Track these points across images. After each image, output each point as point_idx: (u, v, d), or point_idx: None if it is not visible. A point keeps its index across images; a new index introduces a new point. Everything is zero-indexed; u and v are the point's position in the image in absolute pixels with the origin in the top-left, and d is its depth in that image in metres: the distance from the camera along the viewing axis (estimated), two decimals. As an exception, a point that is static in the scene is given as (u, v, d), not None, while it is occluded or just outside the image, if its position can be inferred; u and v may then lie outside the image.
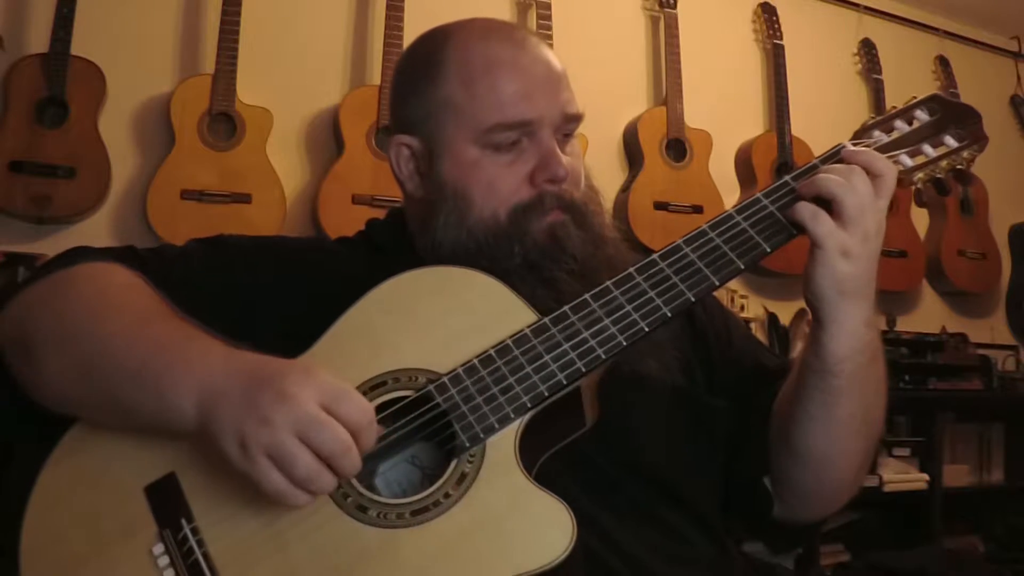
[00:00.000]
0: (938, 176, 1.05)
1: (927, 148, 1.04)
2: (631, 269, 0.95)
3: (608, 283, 0.94)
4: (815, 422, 1.01)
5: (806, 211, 0.93)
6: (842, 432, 1.01)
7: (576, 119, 1.08)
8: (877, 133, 1.05)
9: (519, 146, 1.04)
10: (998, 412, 3.65)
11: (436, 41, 1.10)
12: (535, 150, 1.04)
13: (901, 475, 3.20)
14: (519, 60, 1.05)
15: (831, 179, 0.93)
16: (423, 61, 1.09)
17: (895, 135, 1.05)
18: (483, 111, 1.03)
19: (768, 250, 0.96)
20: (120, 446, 0.91)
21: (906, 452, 3.27)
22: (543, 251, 1.03)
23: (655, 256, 0.96)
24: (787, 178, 0.99)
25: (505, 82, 1.04)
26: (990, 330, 3.84)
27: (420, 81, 1.09)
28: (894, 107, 1.08)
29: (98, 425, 0.92)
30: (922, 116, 1.06)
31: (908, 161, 1.04)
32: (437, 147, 1.07)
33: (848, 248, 0.92)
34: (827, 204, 0.94)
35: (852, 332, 0.96)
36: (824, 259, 0.93)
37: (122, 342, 0.89)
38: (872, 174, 0.95)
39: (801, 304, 3.36)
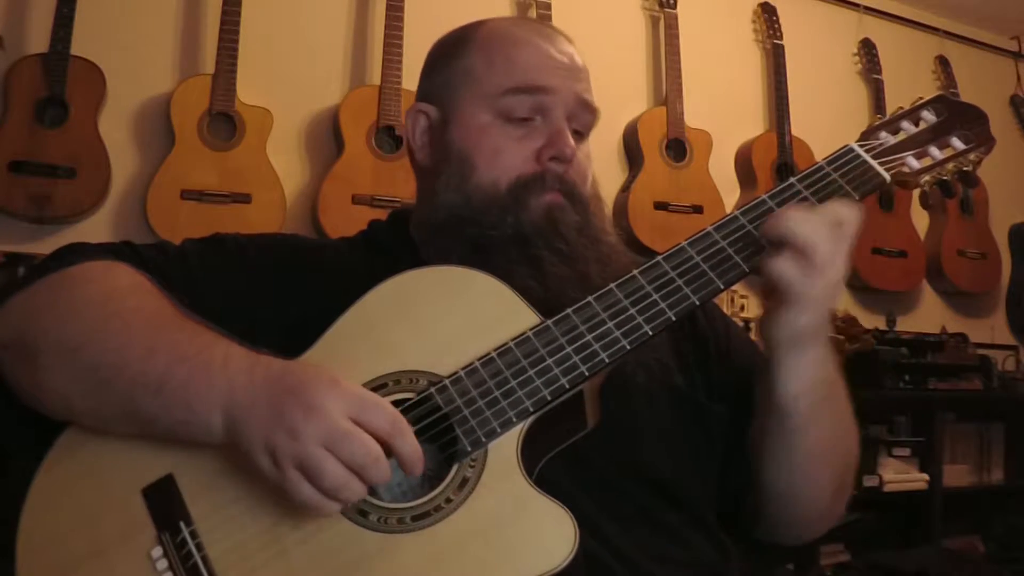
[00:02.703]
0: (944, 178, 1.04)
1: (933, 150, 1.04)
2: (635, 271, 0.94)
3: (612, 286, 0.94)
4: (775, 460, 1.01)
5: (783, 262, 0.90)
6: (803, 469, 1.01)
7: (590, 110, 1.09)
8: (883, 134, 1.04)
9: (531, 123, 1.05)
10: (998, 412, 3.64)
11: (468, 27, 1.13)
12: (546, 129, 1.05)
13: (901, 475, 3.20)
14: (542, 42, 1.08)
15: (799, 226, 0.90)
16: (451, 42, 1.13)
17: (901, 136, 1.04)
18: (498, 76, 1.06)
19: None
20: (117, 447, 0.90)
21: (906, 452, 3.27)
22: (536, 228, 1.02)
23: (659, 259, 0.95)
24: (793, 179, 0.99)
25: (524, 53, 1.07)
26: (990, 330, 3.84)
27: (445, 56, 1.12)
28: (900, 108, 1.08)
29: (100, 430, 0.91)
30: (928, 117, 1.06)
31: (914, 163, 1.03)
32: (451, 113, 1.09)
33: (810, 298, 0.91)
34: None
35: (803, 372, 0.95)
36: (787, 307, 0.92)
37: (138, 352, 0.88)
38: (837, 221, 0.92)
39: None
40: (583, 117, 1.09)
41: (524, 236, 1.02)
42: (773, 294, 0.93)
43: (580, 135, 1.09)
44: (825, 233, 0.90)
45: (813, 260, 0.89)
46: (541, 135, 1.05)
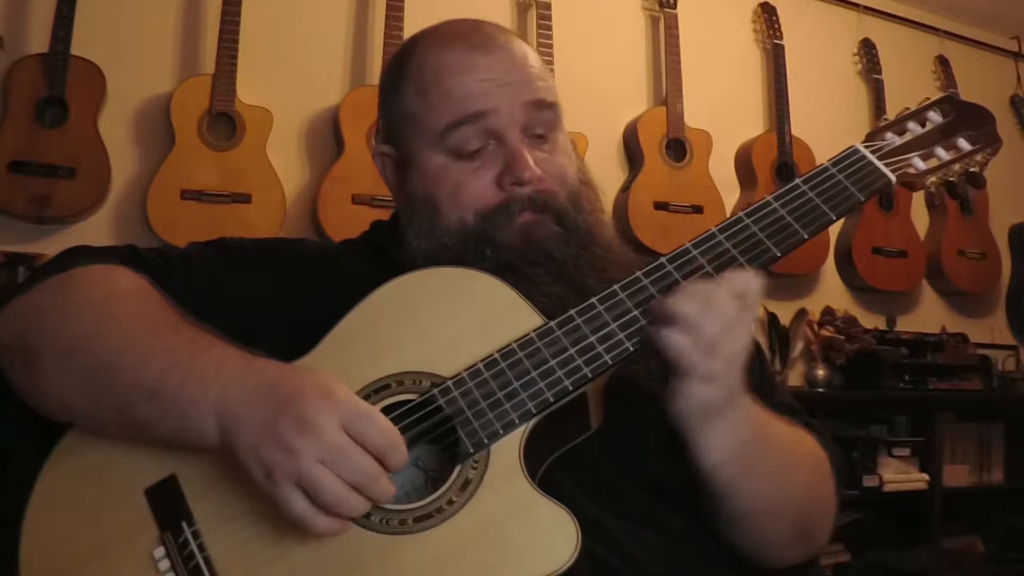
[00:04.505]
0: (950, 179, 1.03)
1: (940, 151, 1.03)
2: (638, 272, 0.94)
3: (615, 287, 0.93)
4: (712, 513, 0.98)
5: (672, 341, 0.87)
6: (740, 526, 0.98)
7: (546, 106, 1.05)
8: (889, 135, 1.04)
9: (485, 151, 1.03)
10: (998, 412, 3.65)
11: (404, 52, 1.10)
12: (501, 153, 1.03)
13: (901, 475, 3.20)
14: (473, 60, 1.04)
15: (688, 307, 0.88)
16: (392, 73, 1.11)
17: (907, 137, 1.04)
18: (437, 115, 1.03)
19: (778, 255, 0.95)
20: (121, 448, 0.90)
21: (906, 452, 3.27)
22: (517, 253, 1.01)
23: (663, 259, 0.94)
24: (798, 180, 0.99)
25: (456, 84, 1.03)
26: (990, 330, 3.84)
27: (389, 93, 1.10)
28: (907, 108, 1.07)
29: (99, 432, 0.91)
30: (935, 118, 1.05)
31: (921, 164, 1.02)
32: (407, 158, 1.08)
33: (712, 374, 0.88)
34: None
35: (718, 445, 0.91)
36: (687, 387, 0.88)
37: (134, 357, 0.87)
38: (738, 292, 0.89)
39: (801, 304, 3.36)
40: (541, 117, 1.05)
41: (508, 263, 1.00)
42: (674, 375, 0.89)
43: (543, 137, 1.06)
44: (721, 311, 0.87)
45: (703, 336, 0.87)
46: (498, 159, 1.03)
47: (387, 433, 0.81)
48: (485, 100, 1.02)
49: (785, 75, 3.40)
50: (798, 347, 3.32)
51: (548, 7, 2.94)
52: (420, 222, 1.05)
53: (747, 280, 0.90)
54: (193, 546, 0.85)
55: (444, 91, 1.03)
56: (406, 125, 1.07)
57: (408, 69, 1.07)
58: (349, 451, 0.78)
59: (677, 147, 3.14)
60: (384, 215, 1.22)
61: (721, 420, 0.91)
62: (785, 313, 3.32)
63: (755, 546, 1.00)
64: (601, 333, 0.91)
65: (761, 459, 0.95)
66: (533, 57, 1.07)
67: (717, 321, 0.87)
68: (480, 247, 1.01)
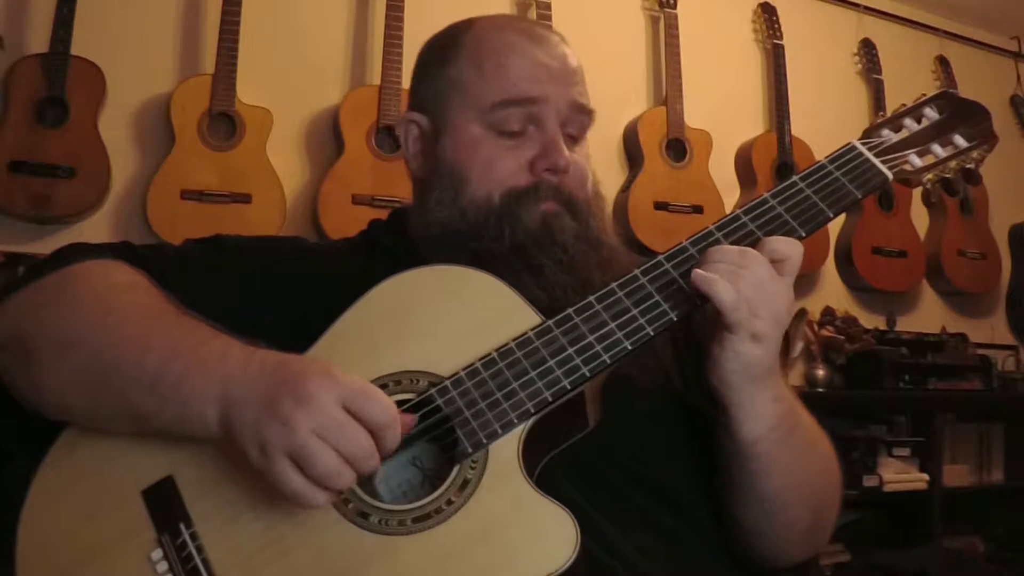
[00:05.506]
0: (947, 176, 1.03)
1: (936, 148, 1.03)
2: (636, 271, 0.94)
3: (613, 285, 0.93)
4: (740, 499, 0.99)
5: (727, 295, 0.88)
6: (770, 507, 0.98)
7: (586, 112, 1.08)
8: (886, 132, 1.04)
9: (524, 134, 1.05)
10: (998, 412, 3.64)
11: (457, 29, 1.12)
12: (539, 138, 1.04)
13: (901, 475, 3.20)
14: (532, 49, 1.07)
15: (732, 271, 0.89)
16: (440, 45, 1.12)
17: (904, 134, 1.04)
18: (489, 89, 1.05)
19: None
20: (116, 448, 0.89)
21: (906, 452, 3.26)
22: (533, 238, 1.02)
23: (660, 257, 0.95)
24: (795, 177, 0.99)
25: (514, 63, 1.05)
26: (990, 330, 3.84)
27: (434, 63, 1.11)
28: (903, 105, 1.07)
29: (98, 429, 0.91)
30: (931, 114, 1.05)
31: (917, 161, 1.02)
32: (442, 125, 1.08)
33: (759, 332, 0.90)
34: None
35: (761, 413, 0.93)
36: (734, 344, 0.90)
37: (134, 349, 0.87)
38: (776, 260, 0.92)
39: (801, 304, 3.35)
40: (577, 120, 1.08)
41: (522, 246, 1.01)
42: (717, 327, 0.91)
43: (575, 139, 1.08)
44: (759, 274, 0.90)
45: (740, 291, 0.89)
46: (534, 145, 1.04)
47: (387, 409, 0.81)
48: (538, 87, 1.04)
49: (785, 75, 3.40)
50: (798, 347, 3.32)
51: (548, 7, 2.94)
52: (444, 191, 1.06)
53: (786, 248, 0.93)
54: (191, 548, 0.84)
55: (501, 66, 1.05)
56: (450, 91, 1.08)
57: (463, 40, 1.09)
58: (346, 425, 0.79)
59: (677, 147, 3.14)
60: (384, 215, 1.22)
61: (764, 387, 0.93)
62: (785, 313, 3.31)
63: (777, 533, 1.01)
64: (599, 332, 0.91)
65: (794, 433, 0.97)
66: (579, 65, 1.10)
67: (748, 280, 0.89)
68: (500, 223, 1.02)
